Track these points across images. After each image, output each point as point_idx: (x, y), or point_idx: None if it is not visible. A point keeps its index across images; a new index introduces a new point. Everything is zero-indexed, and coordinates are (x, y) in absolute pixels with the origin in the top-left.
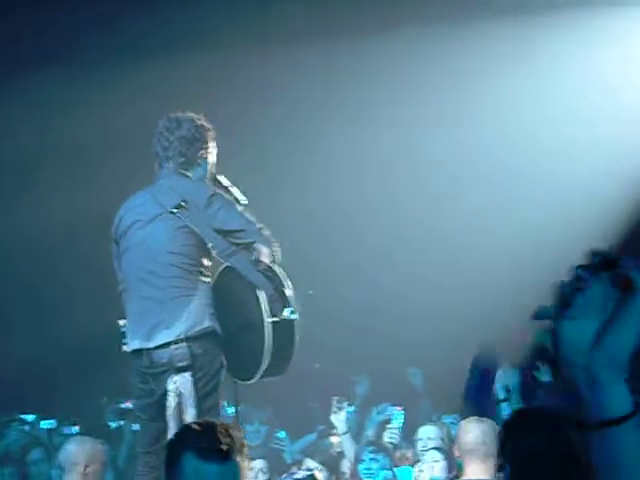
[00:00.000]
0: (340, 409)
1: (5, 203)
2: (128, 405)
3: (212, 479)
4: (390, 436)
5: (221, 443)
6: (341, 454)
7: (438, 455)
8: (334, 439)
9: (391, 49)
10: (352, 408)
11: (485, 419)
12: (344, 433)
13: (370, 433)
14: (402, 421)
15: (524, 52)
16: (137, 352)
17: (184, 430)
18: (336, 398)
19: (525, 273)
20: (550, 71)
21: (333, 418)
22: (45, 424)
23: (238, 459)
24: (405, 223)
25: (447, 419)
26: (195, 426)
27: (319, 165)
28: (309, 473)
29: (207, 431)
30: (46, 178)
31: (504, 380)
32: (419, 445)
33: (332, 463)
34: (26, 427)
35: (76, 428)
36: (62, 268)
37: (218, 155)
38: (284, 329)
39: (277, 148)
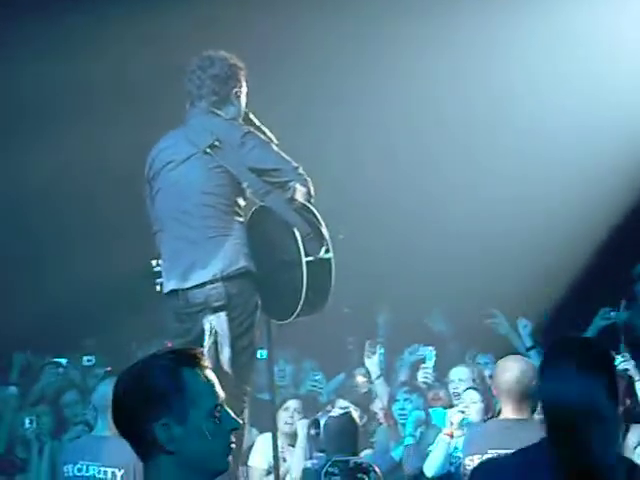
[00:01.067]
0: (373, 353)
1: (36, 142)
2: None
3: (212, 381)
4: (424, 376)
5: (200, 353)
6: (369, 394)
7: (476, 396)
8: (360, 379)
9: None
10: (383, 350)
11: (524, 358)
12: (378, 377)
13: (403, 374)
14: (434, 360)
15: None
16: (173, 292)
17: (162, 356)
18: (368, 342)
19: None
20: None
21: (367, 362)
22: (85, 360)
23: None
24: (433, 171)
25: (482, 359)
26: (169, 352)
27: (343, 113)
28: (345, 411)
29: (184, 350)
30: (64, 122)
31: (529, 328)
32: (451, 387)
33: (363, 402)
34: (60, 370)
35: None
36: (92, 209)
37: (249, 95)
38: (320, 268)
39: (303, 92)
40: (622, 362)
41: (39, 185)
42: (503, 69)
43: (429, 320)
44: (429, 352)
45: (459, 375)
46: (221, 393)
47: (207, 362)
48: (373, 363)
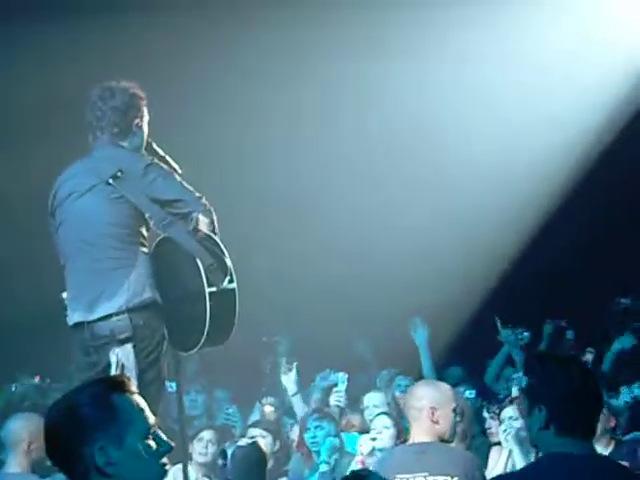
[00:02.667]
0: (290, 369)
1: None
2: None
3: (142, 404)
4: (336, 400)
5: (126, 379)
6: (279, 421)
7: (388, 421)
8: (267, 408)
9: None
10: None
11: (436, 382)
12: (294, 394)
13: (313, 400)
14: (346, 384)
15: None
16: (79, 325)
17: (90, 384)
18: (284, 359)
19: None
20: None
21: (284, 379)
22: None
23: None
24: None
25: (402, 382)
26: (97, 380)
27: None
28: (252, 441)
29: (110, 377)
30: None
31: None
32: (366, 413)
33: (275, 429)
34: None
35: None
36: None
37: (153, 124)
38: (224, 298)
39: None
40: None
41: None
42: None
43: (353, 344)
44: (341, 377)
45: (373, 401)
46: (151, 417)
47: (134, 387)
48: (290, 380)
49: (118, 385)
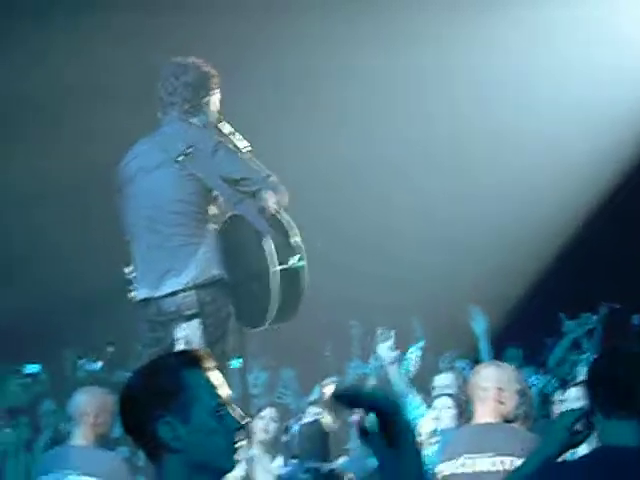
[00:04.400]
0: (387, 338)
1: (9, 148)
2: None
3: (216, 381)
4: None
5: (206, 354)
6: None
7: (449, 402)
8: (328, 389)
9: None
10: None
11: (502, 363)
12: (392, 362)
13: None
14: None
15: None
16: (145, 301)
17: (169, 355)
18: (380, 329)
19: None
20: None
21: (380, 348)
22: (31, 369)
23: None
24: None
25: (459, 364)
26: (177, 352)
27: (323, 119)
28: (316, 417)
29: (191, 350)
30: (44, 125)
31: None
32: (434, 393)
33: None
34: (27, 380)
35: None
36: (65, 217)
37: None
38: (291, 277)
39: (279, 93)
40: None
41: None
42: (487, 63)
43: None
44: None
45: (443, 381)
46: (225, 393)
47: (211, 363)
48: (386, 348)
49: (192, 360)
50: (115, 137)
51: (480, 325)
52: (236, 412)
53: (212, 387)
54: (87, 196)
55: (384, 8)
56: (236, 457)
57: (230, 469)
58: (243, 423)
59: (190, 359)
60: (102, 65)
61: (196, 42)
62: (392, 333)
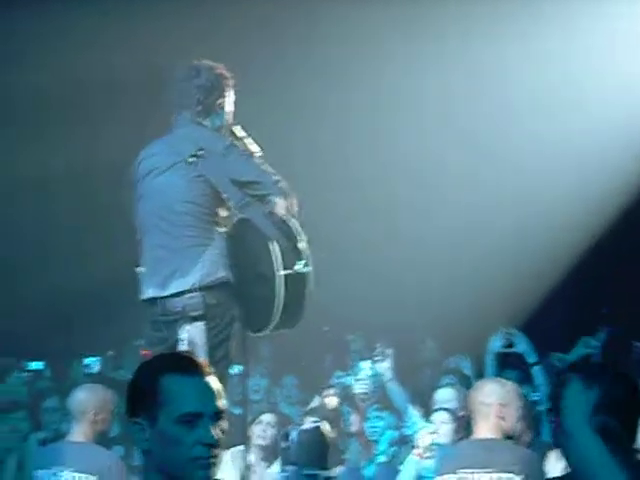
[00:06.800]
0: (385, 357)
1: (14, 146)
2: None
3: (198, 391)
4: (360, 387)
5: (198, 361)
6: (338, 411)
7: (446, 416)
8: (328, 400)
9: None
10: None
11: (502, 380)
12: (390, 380)
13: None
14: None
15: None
16: (151, 300)
17: (156, 357)
18: (378, 345)
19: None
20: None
21: (379, 366)
22: (34, 365)
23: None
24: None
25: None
26: (168, 354)
27: (335, 122)
28: (315, 425)
29: (180, 355)
30: (53, 121)
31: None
32: (434, 407)
33: (332, 417)
34: (27, 374)
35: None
36: (76, 215)
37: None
38: (296, 282)
39: (291, 97)
40: None
41: (15, 189)
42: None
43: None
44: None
45: (444, 396)
46: (207, 404)
47: (201, 369)
48: (385, 367)
49: (173, 364)
50: (128, 135)
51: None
52: (216, 428)
53: (185, 395)
54: (97, 192)
55: (397, 8)
56: (206, 472)
57: None
58: (214, 440)
59: (171, 363)
60: (115, 60)
61: (205, 42)
62: (390, 351)
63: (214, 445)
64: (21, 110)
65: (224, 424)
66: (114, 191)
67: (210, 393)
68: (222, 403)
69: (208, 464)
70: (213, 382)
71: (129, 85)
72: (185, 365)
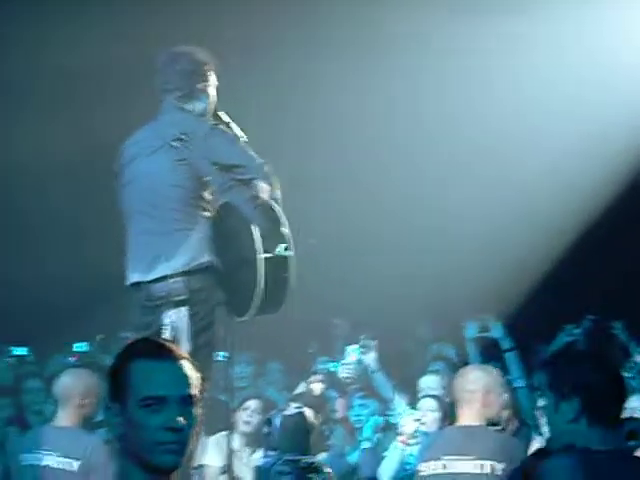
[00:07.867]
0: (370, 348)
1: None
2: None
3: (164, 375)
4: (345, 371)
5: (170, 347)
6: (322, 397)
7: (433, 404)
8: (313, 385)
9: None
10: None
11: (487, 367)
12: (375, 371)
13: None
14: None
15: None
16: (136, 285)
17: (130, 343)
18: (363, 336)
19: None
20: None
21: (365, 358)
22: (18, 351)
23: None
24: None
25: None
26: (141, 339)
27: (320, 103)
28: (297, 411)
29: (154, 340)
30: (43, 108)
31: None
32: (419, 395)
33: (316, 403)
34: (9, 359)
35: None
36: (66, 203)
37: (220, 90)
38: (277, 265)
39: (279, 84)
40: None
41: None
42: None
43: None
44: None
45: (428, 384)
46: (173, 389)
47: (171, 354)
48: (370, 358)
49: (141, 349)
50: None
51: (471, 331)
52: (183, 414)
53: (149, 380)
54: (88, 180)
55: (386, 12)
56: (172, 457)
57: (162, 467)
58: (178, 425)
59: (141, 348)
60: (106, 52)
61: (197, 27)
62: (374, 343)
63: (178, 430)
64: (15, 96)
65: (195, 410)
66: (104, 179)
67: (177, 378)
68: (192, 389)
69: (173, 449)
70: (184, 368)
71: (125, 72)
72: (153, 350)
